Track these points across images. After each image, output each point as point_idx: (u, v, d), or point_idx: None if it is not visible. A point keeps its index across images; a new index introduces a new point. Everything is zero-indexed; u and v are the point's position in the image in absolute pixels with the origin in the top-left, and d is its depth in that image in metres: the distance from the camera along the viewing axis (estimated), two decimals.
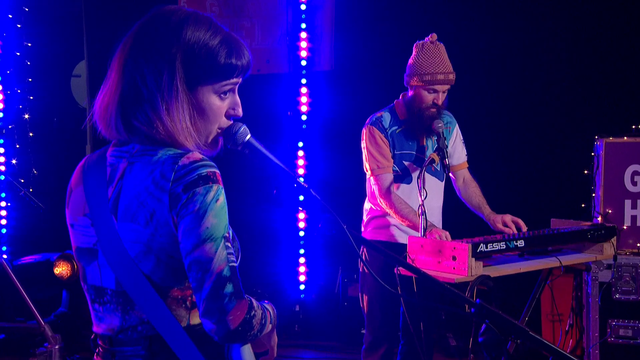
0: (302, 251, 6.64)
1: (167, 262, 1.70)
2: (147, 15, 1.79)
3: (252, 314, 1.69)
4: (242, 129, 1.85)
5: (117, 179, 1.75)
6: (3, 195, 6.65)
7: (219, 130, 1.83)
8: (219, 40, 1.76)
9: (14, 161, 6.63)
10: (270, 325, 1.83)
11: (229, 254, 1.67)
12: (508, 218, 3.95)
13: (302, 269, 6.65)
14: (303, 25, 6.57)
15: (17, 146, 6.69)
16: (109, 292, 1.77)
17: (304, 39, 6.58)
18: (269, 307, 1.87)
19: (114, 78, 1.76)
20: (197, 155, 1.71)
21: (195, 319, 1.76)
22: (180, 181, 1.66)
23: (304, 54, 6.59)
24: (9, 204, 6.66)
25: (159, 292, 1.71)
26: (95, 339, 1.85)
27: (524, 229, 3.90)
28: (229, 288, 1.65)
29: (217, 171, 1.71)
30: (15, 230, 6.67)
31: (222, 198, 1.69)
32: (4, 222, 6.63)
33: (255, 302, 1.74)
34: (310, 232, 6.63)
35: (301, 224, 6.62)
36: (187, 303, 1.75)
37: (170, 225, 1.68)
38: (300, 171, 6.57)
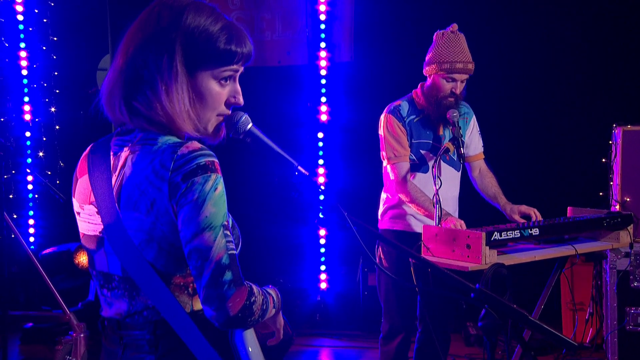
0: (322, 241, 6.67)
1: (168, 250, 1.74)
2: (151, 3, 1.84)
3: (252, 300, 1.72)
4: (243, 117, 1.88)
5: (120, 167, 1.79)
6: (30, 195, 6.76)
7: (219, 119, 1.86)
8: (219, 27, 1.79)
9: (41, 154, 6.74)
10: (273, 310, 1.86)
11: (227, 242, 1.70)
12: (523, 208, 3.96)
13: (323, 259, 6.68)
14: (322, 17, 6.58)
15: (44, 139, 6.78)
16: (116, 278, 1.81)
17: (323, 31, 6.59)
18: (272, 291, 1.89)
19: (118, 62, 1.81)
20: (196, 144, 1.74)
21: (198, 305, 1.79)
22: (179, 170, 1.69)
23: (323, 45, 6.61)
24: (36, 197, 6.77)
25: (163, 279, 1.75)
26: (103, 322, 1.89)
27: (538, 218, 3.89)
28: (228, 275, 1.68)
29: (216, 160, 1.73)
30: (43, 222, 6.79)
31: (221, 187, 1.72)
32: (31, 212, 6.75)
33: (256, 288, 1.77)
34: (331, 227, 6.62)
35: (321, 215, 6.62)
36: (190, 289, 1.78)
37: (170, 214, 1.71)
38: (321, 162, 6.59)
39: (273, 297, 1.87)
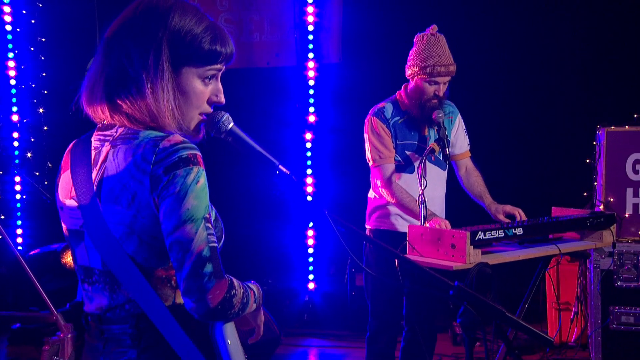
0: (310, 242, 6.69)
1: (150, 242, 1.75)
2: (134, 2, 1.85)
3: (232, 292, 1.73)
4: (225, 117, 1.90)
5: (101, 162, 1.80)
6: (18, 197, 6.75)
7: (201, 117, 1.88)
8: (203, 27, 1.82)
9: (29, 154, 6.73)
10: (254, 305, 1.87)
11: (209, 234, 1.72)
12: (508, 208, 3.99)
13: (311, 259, 6.71)
14: (310, 19, 6.60)
15: (32, 140, 6.77)
16: (97, 272, 1.82)
17: (311, 32, 6.62)
18: (253, 286, 1.91)
19: (99, 60, 1.82)
20: (178, 137, 1.76)
21: (180, 298, 1.79)
22: (161, 163, 1.71)
23: (311, 46, 6.63)
24: (24, 197, 6.76)
25: (144, 272, 1.76)
26: (86, 317, 1.90)
27: (522, 218, 3.93)
28: (208, 268, 1.69)
29: (198, 153, 1.75)
30: (30, 221, 6.78)
31: (203, 180, 1.73)
32: (19, 214, 6.74)
33: (236, 282, 1.78)
34: (318, 227, 6.67)
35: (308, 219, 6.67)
36: (172, 282, 1.79)
37: (152, 207, 1.72)
38: (308, 162, 6.61)
39: (254, 292, 1.89)
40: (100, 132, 1.86)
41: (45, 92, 6.81)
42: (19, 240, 6.70)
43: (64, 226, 1.90)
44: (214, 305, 1.70)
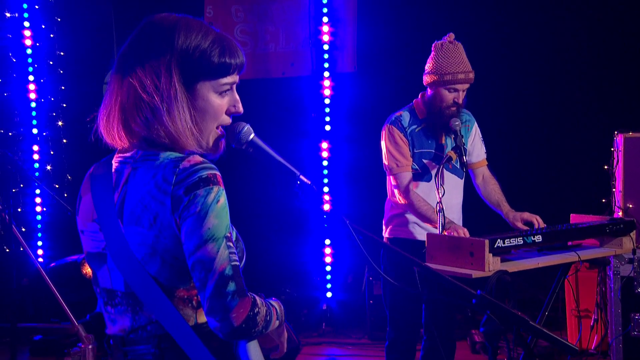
0: (328, 251, 6.68)
1: (172, 263, 1.75)
2: (139, 25, 1.85)
3: (255, 311, 1.72)
4: (245, 128, 1.90)
5: (122, 184, 1.80)
6: (39, 209, 6.79)
7: (219, 132, 1.88)
8: (210, 41, 1.81)
9: (48, 167, 6.76)
10: (277, 322, 1.86)
11: (230, 253, 1.71)
12: (526, 215, 3.96)
13: (328, 268, 6.69)
14: (325, 29, 6.61)
15: (52, 153, 6.81)
16: (119, 294, 1.82)
17: (326, 42, 6.63)
18: (275, 304, 1.89)
19: (113, 88, 1.82)
20: (198, 158, 1.76)
21: (202, 318, 1.79)
22: (182, 184, 1.71)
23: (327, 56, 6.64)
24: (44, 209, 6.79)
25: (166, 293, 1.76)
26: (109, 340, 1.90)
27: (540, 225, 3.90)
28: (231, 286, 1.69)
29: (218, 173, 1.75)
30: (50, 234, 6.81)
31: (223, 199, 1.73)
32: (39, 226, 6.76)
33: (259, 300, 1.77)
34: (336, 235, 6.66)
35: (326, 224, 6.66)
36: (194, 302, 1.79)
37: (173, 227, 1.72)
38: (325, 172, 6.61)
39: (276, 309, 1.88)
40: (121, 155, 1.86)
41: (64, 105, 6.85)
42: (40, 252, 6.73)
43: (85, 249, 1.91)
44: (238, 324, 1.69)
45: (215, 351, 1.77)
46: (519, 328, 1.70)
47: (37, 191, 6.77)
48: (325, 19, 6.61)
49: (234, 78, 1.86)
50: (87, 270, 5.77)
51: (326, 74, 6.64)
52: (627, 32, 6.01)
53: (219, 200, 1.71)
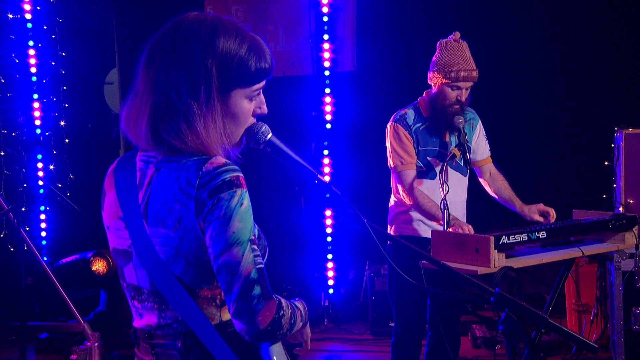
0: (329, 247, 6.67)
1: (196, 264, 1.73)
2: (170, 24, 1.78)
3: (280, 313, 1.71)
4: (263, 127, 1.87)
5: (146, 184, 1.78)
6: (42, 208, 6.75)
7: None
8: (247, 47, 1.77)
9: (51, 167, 6.73)
10: (300, 323, 1.85)
11: (255, 256, 1.69)
12: (541, 207, 3.95)
13: (330, 264, 6.68)
14: (325, 28, 6.59)
15: (54, 152, 6.79)
16: (145, 292, 1.82)
17: (326, 41, 6.61)
18: (299, 304, 1.89)
19: (143, 90, 1.75)
20: (221, 160, 1.73)
21: (226, 316, 1.79)
22: (205, 187, 1.68)
23: (327, 55, 6.62)
24: (47, 208, 6.77)
25: (190, 293, 1.75)
26: (135, 332, 1.91)
27: (552, 217, 3.89)
28: (257, 290, 1.67)
29: (241, 175, 1.72)
30: (54, 233, 6.78)
31: (247, 202, 1.71)
32: (43, 225, 6.73)
33: (284, 302, 1.76)
34: (337, 229, 6.65)
35: (328, 221, 6.65)
36: (217, 301, 1.78)
37: (197, 230, 1.70)
38: (326, 169, 6.59)
39: (301, 311, 1.87)
40: (145, 153, 1.83)
41: (67, 105, 6.83)
42: (43, 242, 6.70)
43: (110, 245, 1.89)
44: (263, 326, 1.68)
45: (239, 349, 1.77)
46: (540, 327, 1.68)
47: (41, 191, 6.74)
48: (325, 19, 6.58)
49: (264, 83, 1.84)
50: (97, 266, 5.75)
51: (326, 72, 6.62)
52: (628, 29, 6.00)
53: (242, 203, 1.69)
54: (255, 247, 1.70)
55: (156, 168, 1.78)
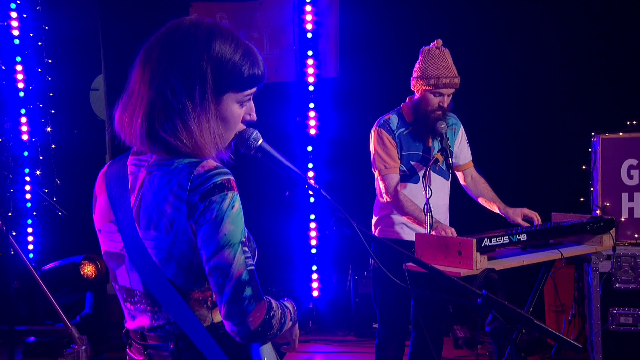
0: (314, 251, 6.65)
1: (187, 267, 1.73)
2: (167, 26, 1.78)
3: (271, 314, 1.71)
4: (254, 134, 1.87)
5: (138, 188, 1.77)
6: (30, 221, 6.70)
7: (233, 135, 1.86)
8: (241, 53, 1.77)
9: (38, 172, 6.68)
10: (290, 323, 1.85)
11: (246, 258, 1.69)
12: (525, 211, 3.97)
13: (314, 267, 6.66)
14: (309, 35, 6.59)
15: (41, 158, 6.74)
16: (138, 294, 1.81)
17: (310, 48, 6.60)
18: (289, 304, 1.89)
19: (139, 90, 1.74)
20: (212, 163, 1.72)
21: (218, 317, 1.79)
22: (197, 190, 1.68)
23: (310, 62, 6.61)
24: (34, 213, 6.71)
25: (182, 295, 1.74)
26: (127, 333, 1.90)
27: (537, 221, 3.91)
28: (248, 291, 1.67)
29: (232, 178, 1.72)
30: (42, 237, 6.73)
31: (238, 204, 1.70)
32: (30, 230, 6.67)
33: (274, 303, 1.76)
34: (322, 233, 6.64)
35: (312, 225, 6.64)
36: (209, 303, 1.78)
37: (189, 233, 1.69)
38: (310, 174, 6.58)
39: (290, 310, 1.87)
40: (136, 157, 1.82)
41: (53, 111, 6.78)
42: (30, 255, 6.63)
43: (103, 248, 1.88)
44: (254, 327, 1.68)
45: (231, 350, 1.77)
46: (525, 327, 1.68)
47: (28, 196, 6.69)
48: (309, 26, 6.58)
49: (256, 89, 1.84)
50: (86, 270, 5.70)
51: (310, 79, 6.61)
52: (606, 37, 6.04)
53: (234, 206, 1.69)
54: (247, 249, 1.70)
55: (148, 172, 1.76)
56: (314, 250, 6.65)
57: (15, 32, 6.61)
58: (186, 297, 1.74)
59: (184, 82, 1.71)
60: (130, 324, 1.87)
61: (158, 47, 1.75)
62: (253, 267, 1.71)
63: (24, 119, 6.68)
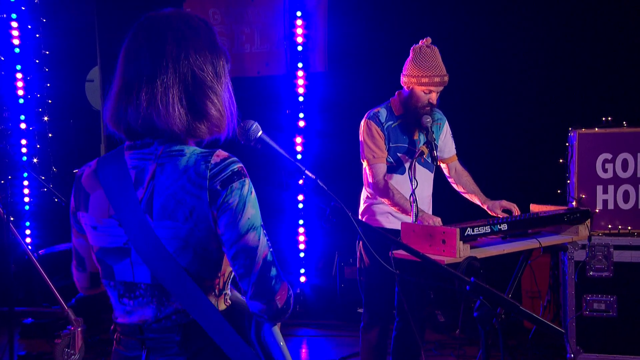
0: (302, 238, 6.66)
1: (202, 255, 1.71)
2: (172, 15, 1.78)
3: (289, 292, 1.75)
4: (254, 125, 1.89)
5: (148, 180, 1.73)
6: (27, 207, 6.66)
7: None
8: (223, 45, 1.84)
9: (35, 160, 6.64)
10: None
11: (267, 240, 1.72)
12: (504, 203, 3.99)
13: (302, 254, 6.67)
14: (300, 31, 6.57)
15: (38, 146, 6.70)
16: (143, 287, 1.75)
17: (300, 44, 6.59)
18: None
19: (159, 73, 1.70)
20: (224, 152, 1.74)
21: (222, 305, 1.79)
22: (217, 178, 1.68)
23: (300, 56, 6.60)
24: (31, 200, 6.67)
25: (196, 283, 1.72)
26: (117, 328, 1.83)
27: (516, 212, 3.93)
28: (273, 271, 1.70)
29: (243, 165, 1.73)
30: (38, 222, 6.69)
31: (253, 190, 1.73)
32: (28, 223, 6.63)
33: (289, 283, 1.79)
34: (309, 222, 6.64)
35: (301, 213, 6.63)
36: (216, 291, 1.77)
37: (210, 220, 1.69)
38: (299, 157, 6.58)
39: None
40: (137, 151, 1.77)
41: (50, 101, 6.74)
42: (28, 240, 6.59)
43: (96, 245, 1.80)
44: (281, 305, 1.71)
45: (242, 335, 1.75)
46: (512, 313, 1.69)
47: (25, 182, 6.65)
48: (299, 22, 6.56)
49: None
50: None
51: (299, 73, 6.60)
52: (580, 35, 6.07)
53: (252, 191, 1.72)
54: (265, 232, 1.73)
55: (158, 163, 1.73)
56: (302, 238, 6.65)
57: (14, 24, 6.55)
58: (199, 285, 1.72)
59: (208, 61, 1.75)
60: (124, 319, 1.80)
61: (171, 34, 1.73)
62: (272, 249, 1.73)
63: (22, 109, 6.64)
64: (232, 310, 1.81)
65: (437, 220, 3.71)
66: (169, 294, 1.73)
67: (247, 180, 1.71)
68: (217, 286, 1.76)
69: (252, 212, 1.70)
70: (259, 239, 1.69)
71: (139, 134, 1.75)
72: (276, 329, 1.81)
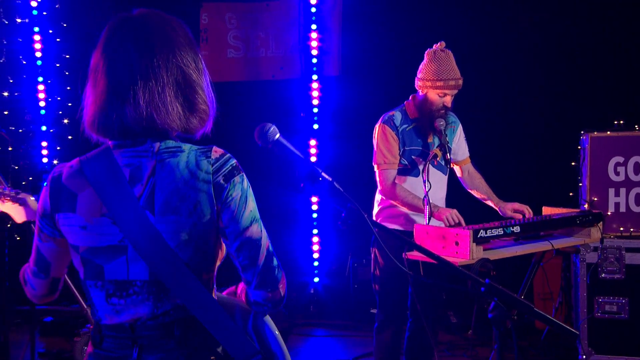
0: (315, 239, 6.66)
1: (203, 249, 1.72)
2: (151, 15, 1.77)
3: (285, 282, 1.79)
4: (272, 128, 1.90)
5: (147, 176, 1.70)
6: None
7: None
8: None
9: (55, 162, 6.68)
10: None
11: (266, 232, 1.75)
12: (516, 205, 3.97)
13: (316, 255, 6.67)
14: (314, 35, 6.58)
15: (58, 148, 6.74)
16: (139, 284, 1.70)
17: (314, 48, 6.60)
18: None
19: (151, 74, 1.70)
20: (219, 148, 1.76)
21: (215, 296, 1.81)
22: (219, 172, 1.71)
23: (314, 61, 6.61)
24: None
25: (196, 276, 1.71)
26: (100, 330, 1.76)
27: (528, 214, 3.91)
28: (275, 261, 1.74)
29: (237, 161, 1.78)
30: None
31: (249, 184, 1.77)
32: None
33: None
34: (323, 224, 6.64)
35: (315, 215, 6.64)
36: (210, 284, 1.78)
37: (214, 213, 1.70)
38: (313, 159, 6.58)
39: None
40: (130, 149, 1.73)
41: (70, 104, 6.77)
42: None
43: (84, 245, 1.73)
44: (283, 293, 1.76)
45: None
46: (526, 314, 1.68)
47: (46, 184, 6.67)
48: (313, 27, 6.58)
49: None
50: None
51: (314, 77, 6.62)
52: (592, 40, 6.04)
53: (249, 185, 1.75)
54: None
55: (158, 160, 1.71)
56: (316, 239, 6.66)
57: (36, 29, 6.61)
58: (199, 279, 1.71)
59: (192, 57, 1.76)
60: (112, 319, 1.73)
61: (153, 37, 1.73)
62: None
63: (43, 112, 6.69)
64: (221, 304, 1.78)
65: (454, 212, 3.70)
66: (167, 290, 1.69)
67: (244, 175, 1.75)
68: (211, 280, 1.78)
69: (253, 205, 1.74)
70: (262, 230, 1.73)
71: (136, 133, 1.71)
72: (269, 319, 1.85)
